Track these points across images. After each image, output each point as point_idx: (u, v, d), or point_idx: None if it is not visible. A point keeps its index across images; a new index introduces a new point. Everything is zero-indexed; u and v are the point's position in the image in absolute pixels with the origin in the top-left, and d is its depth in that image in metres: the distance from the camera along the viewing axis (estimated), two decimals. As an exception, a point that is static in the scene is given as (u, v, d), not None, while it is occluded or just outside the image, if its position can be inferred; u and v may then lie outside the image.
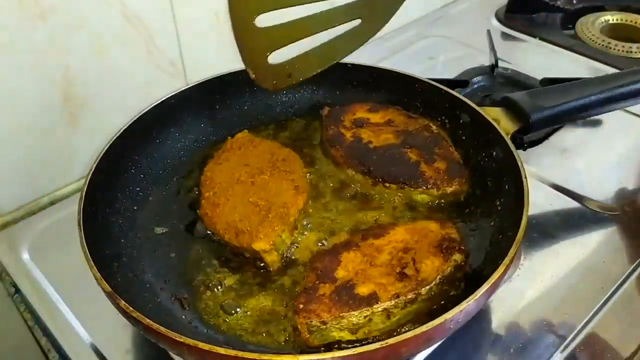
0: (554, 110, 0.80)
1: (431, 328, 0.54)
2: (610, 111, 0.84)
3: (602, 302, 0.74)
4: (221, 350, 0.53)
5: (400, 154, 0.80)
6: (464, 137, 0.83)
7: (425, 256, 0.66)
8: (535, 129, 0.80)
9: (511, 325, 0.72)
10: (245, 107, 0.93)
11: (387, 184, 0.78)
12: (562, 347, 0.69)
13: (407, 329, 0.62)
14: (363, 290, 0.63)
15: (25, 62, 0.80)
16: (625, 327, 0.72)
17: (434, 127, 0.84)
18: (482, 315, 0.69)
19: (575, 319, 0.72)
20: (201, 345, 0.53)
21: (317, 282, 0.64)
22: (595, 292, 0.75)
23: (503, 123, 0.79)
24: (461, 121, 0.83)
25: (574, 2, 1.36)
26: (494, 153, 0.77)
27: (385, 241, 0.69)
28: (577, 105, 0.81)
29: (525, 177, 0.69)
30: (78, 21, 0.82)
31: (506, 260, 0.60)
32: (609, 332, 0.71)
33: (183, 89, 0.87)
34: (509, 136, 0.76)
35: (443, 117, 0.86)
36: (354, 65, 0.92)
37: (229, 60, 1.02)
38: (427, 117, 0.87)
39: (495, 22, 1.33)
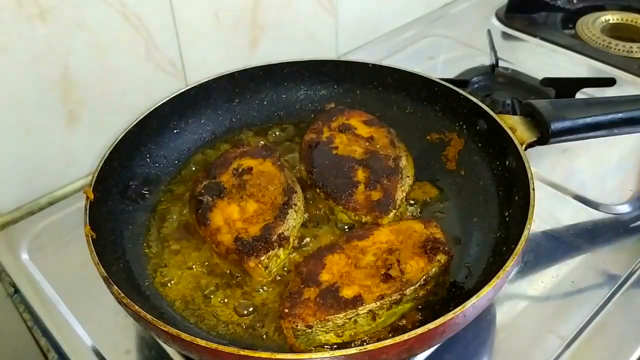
0: (576, 122, 0.76)
1: (413, 337, 0.54)
2: (638, 132, 0.81)
3: (602, 302, 0.74)
4: (187, 338, 0.54)
5: (349, 169, 0.80)
6: (480, 144, 0.82)
7: (410, 257, 0.66)
8: (553, 140, 0.77)
9: (512, 325, 0.72)
10: (265, 103, 0.94)
11: (319, 190, 0.79)
12: (562, 348, 0.69)
13: (391, 334, 0.63)
14: (348, 292, 0.63)
15: (25, 62, 0.80)
16: (625, 327, 0.72)
17: (402, 162, 0.82)
18: (482, 316, 0.68)
19: (575, 319, 0.72)
20: (183, 335, 0.54)
21: (302, 286, 0.65)
22: (596, 292, 0.75)
23: (519, 132, 0.77)
24: (478, 128, 0.82)
25: (575, 1, 1.36)
26: (507, 162, 0.76)
27: (370, 242, 0.69)
28: (602, 121, 0.77)
29: (534, 189, 0.67)
30: (78, 21, 0.82)
31: (493, 281, 0.58)
32: (609, 332, 0.71)
33: (204, 81, 0.88)
34: (524, 146, 0.75)
35: (461, 123, 0.85)
36: (374, 65, 0.92)
37: (229, 60, 1.03)
38: (445, 122, 0.86)
39: (495, 22, 1.32)
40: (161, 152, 0.85)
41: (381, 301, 0.62)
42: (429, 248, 0.67)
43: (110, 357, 0.70)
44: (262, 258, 0.69)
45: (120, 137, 0.78)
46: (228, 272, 0.72)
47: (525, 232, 0.63)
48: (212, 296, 0.69)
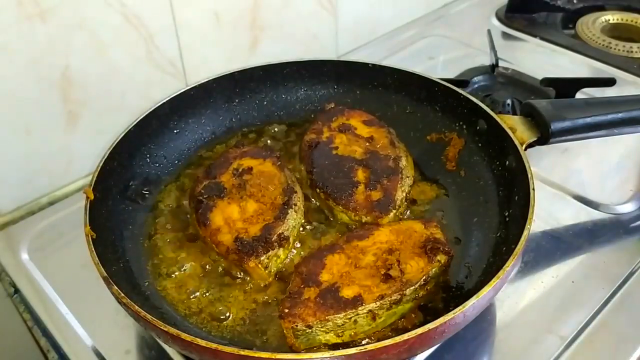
0: (576, 122, 0.76)
1: (413, 337, 0.54)
2: (637, 132, 0.81)
3: (602, 302, 0.74)
4: (187, 338, 0.54)
5: (349, 169, 0.80)
6: (480, 144, 0.82)
7: (410, 257, 0.66)
8: (553, 140, 0.77)
9: (512, 325, 0.72)
10: (265, 103, 0.94)
11: (319, 190, 0.79)
12: (562, 348, 0.69)
13: (391, 334, 0.63)
14: (348, 292, 0.63)
15: (25, 62, 0.80)
16: (625, 327, 0.72)
17: (402, 162, 0.81)
18: (482, 316, 0.69)
19: (575, 319, 0.72)
20: (183, 335, 0.54)
21: (302, 286, 0.65)
22: (596, 292, 0.75)
23: (519, 132, 0.76)
24: (477, 128, 0.82)
25: (575, 1, 1.36)
26: (507, 162, 0.76)
27: (370, 242, 0.69)
28: (602, 121, 0.77)
29: (534, 189, 0.67)
30: (78, 21, 0.82)
31: (493, 281, 0.58)
32: (609, 332, 0.71)
33: (204, 81, 0.88)
34: (524, 146, 0.75)
35: (461, 123, 0.85)
36: (374, 65, 0.92)
37: (229, 60, 1.03)
38: (445, 122, 0.86)
39: (495, 22, 1.33)
40: (161, 152, 0.85)
41: (381, 301, 0.62)
42: (429, 248, 0.67)
43: (110, 357, 0.70)
44: (262, 258, 0.69)
45: (120, 137, 0.78)
46: (228, 272, 0.72)
47: (525, 232, 0.63)
48: (212, 296, 0.69)
